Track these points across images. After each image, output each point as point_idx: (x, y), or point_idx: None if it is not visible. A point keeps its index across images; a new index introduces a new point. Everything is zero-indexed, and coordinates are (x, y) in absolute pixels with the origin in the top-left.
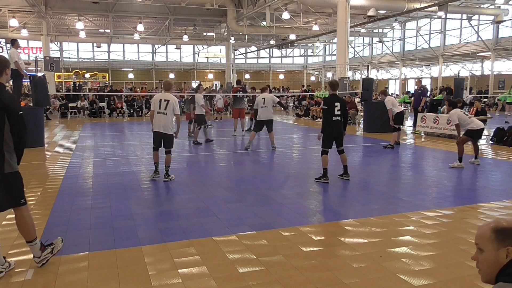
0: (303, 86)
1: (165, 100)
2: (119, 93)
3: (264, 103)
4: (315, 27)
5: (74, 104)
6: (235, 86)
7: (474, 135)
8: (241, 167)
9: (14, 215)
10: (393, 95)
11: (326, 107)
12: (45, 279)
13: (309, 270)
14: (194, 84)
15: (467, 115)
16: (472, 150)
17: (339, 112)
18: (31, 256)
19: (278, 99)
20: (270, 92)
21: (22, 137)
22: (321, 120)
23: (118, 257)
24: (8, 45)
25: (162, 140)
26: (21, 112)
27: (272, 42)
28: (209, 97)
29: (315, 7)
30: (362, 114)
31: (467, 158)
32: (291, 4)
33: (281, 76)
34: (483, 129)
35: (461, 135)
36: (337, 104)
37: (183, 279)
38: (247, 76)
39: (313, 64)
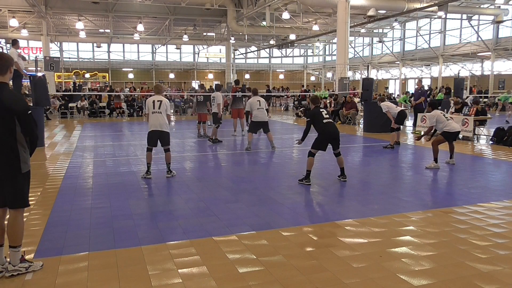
0: (303, 86)
1: (158, 101)
2: (118, 93)
3: (260, 105)
4: (315, 27)
5: (74, 104)
6: (234, 86)
7: (449, 137)
8: (241, 167)
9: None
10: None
11: (309, 119)
12: (45, 279)
13: (309, 270)
14: (195, 84)
15: (446, 117)
16: (471, 151)
17: (327, 116)
18: (31, 256)
19: (266, 106)
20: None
21: (35, 134)
22: (304, 129)
23: (118, 257)
24: (8, 45)
25: (159, 139)
26: (30, 111)
27: (272, 42)
28: (208, 97)
29: (315, 7)
30: (362, 114)
31: (466, 158)
32: (291, 4)
33: (281, 76)
34: (458, 132)
35: (437, 136)
36: (322, 110)
37: (183, 279)
38: (247, 76)
39: (313, 64)
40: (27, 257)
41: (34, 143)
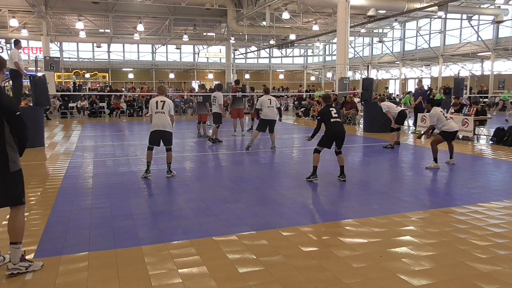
0: (300, 85)
1: (161, 101)
2: (120, 93)
3: (270, 104)
4: (315, 27)
5: (74, 104)
6: (234, 86)
7: (447, 136)
8: (241, 167)
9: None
10: (393, 96)
11: (319, 117)
12: (45, 279)
13: (309, 270)
14: (195, 84)
15: (446, 116)
16: (471, 151)
17: (336, 115)
18: (31, 256)
19: (279, 105)
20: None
21: (24, 135)
22: (315, 127)
23: (118, 257)
24: (8, 45)
25: (161, 139)
26: (19, 113)
27: (272, 42)
28: (207, 97)
29: (315, 7)
30: (362, 114)
31: (466, 158)
32: (291, 4)
33: (281, 76)
34: (457, 131)
35: (435, 135)
36: (332, 109)
37: (183, 279)
38: (247, 76)
39: (313, 64)
40: (27, 257)
41: (23, 143)
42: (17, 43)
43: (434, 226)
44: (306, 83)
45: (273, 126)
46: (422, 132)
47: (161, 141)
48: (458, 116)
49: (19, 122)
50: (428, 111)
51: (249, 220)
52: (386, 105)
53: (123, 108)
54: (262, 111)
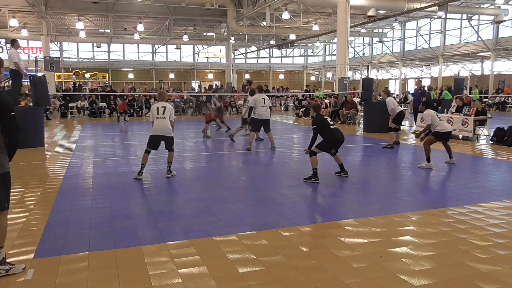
0: (307, 86)
1: (162, 107)
2: (123, 94)
3: (264, 103)
4: (315, 27)
5: (74, 104)
6: (248, 86)
7: (441, 137)
8: (241, 167)
9: (13, 215)
10: (393, 95)
11: (315, 126)
12: (45, 279)
13: (309, 270)
14: (195, 84)
15: (439, 117)
16: (472, 151)
17: (332, 122)
18: (31, 256)
19: (271, 104)
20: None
21: (16, 137)
22: (312, 137)
23: (118, 257)
24: (8, 45)
25: (162, 142)
26: (14, 113)
27: (272, 42)
28: (210, 97)
29: (315, 7)
30: (362, 114)
31: (466, 158)
32: (291, 4)
33: (281, 76)
34: (450, 132)
35: (428, 136)
36: (326, 117)
37: (183, 279)
38: (247, 76)
39: (313, 64)
40: (22, 257)
41: (14, 146)
42: (14, 42)
43: (434, 226)
44: (306, 83)
45: (268, 126)
46: (421, 131)
47: (162, 143)
48: (458, 116)
49: (12, 122)
50: (421, 112)
51: (249, 220)
52: (392, 101)
53: (128, 112)
54: (256, 110)
